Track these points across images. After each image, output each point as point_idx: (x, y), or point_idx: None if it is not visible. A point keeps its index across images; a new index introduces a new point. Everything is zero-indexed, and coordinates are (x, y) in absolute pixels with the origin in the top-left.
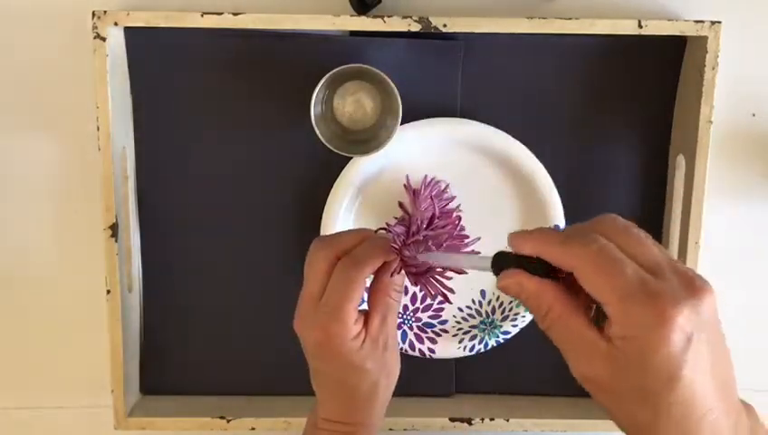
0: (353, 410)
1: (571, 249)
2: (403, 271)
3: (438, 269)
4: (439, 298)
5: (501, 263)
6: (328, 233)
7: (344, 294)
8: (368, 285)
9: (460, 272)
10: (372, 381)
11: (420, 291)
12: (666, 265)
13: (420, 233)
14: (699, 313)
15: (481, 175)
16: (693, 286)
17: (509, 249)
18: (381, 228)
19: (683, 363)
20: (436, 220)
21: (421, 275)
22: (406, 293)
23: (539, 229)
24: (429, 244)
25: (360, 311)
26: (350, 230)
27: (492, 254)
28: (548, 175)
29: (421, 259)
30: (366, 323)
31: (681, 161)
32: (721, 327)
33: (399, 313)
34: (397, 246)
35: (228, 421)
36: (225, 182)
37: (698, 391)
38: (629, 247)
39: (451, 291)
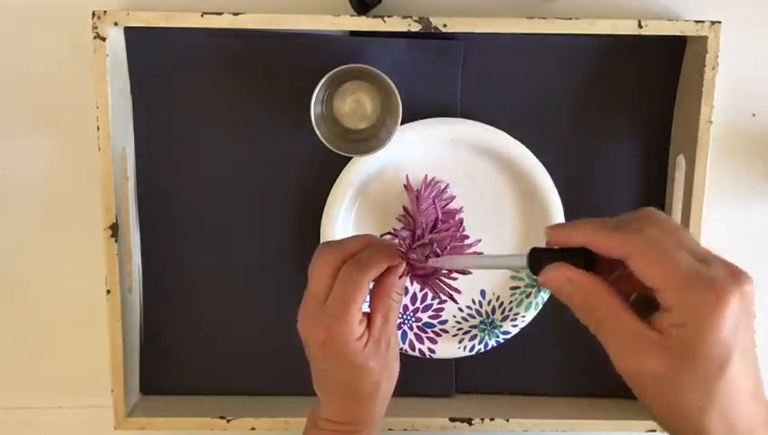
0: (355, 410)
1: (624, 236)
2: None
3: (444, 271)
4: (443, 297)
5: (539, 258)
6: (328, 233)
7: (349, 296)
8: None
9: (465, 272)
10: (374, 381)
11: (421, 291)
12: (709, 255)
13: (426, 236)
14: (746, 298)
15: (481, 175)
16: (738, 274)
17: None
18: (387, 233)
19: (734, 348)
20: (440, 224)
21: (428, 277)
22: (406, 293)
23: (585, 219)
24: (435, 247)
25: (363, 312)
26: (355, 235)
27: (521, 252)
28: (548, 175)
29: (439, 264)
30: (368, 325)
31: (681, 161)
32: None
33: (399, 313)
34: (403, 250)
35: (228, 421)
36: (225, 182)
37: (743, 375)
38: (675, 237)
39: (457, 291)
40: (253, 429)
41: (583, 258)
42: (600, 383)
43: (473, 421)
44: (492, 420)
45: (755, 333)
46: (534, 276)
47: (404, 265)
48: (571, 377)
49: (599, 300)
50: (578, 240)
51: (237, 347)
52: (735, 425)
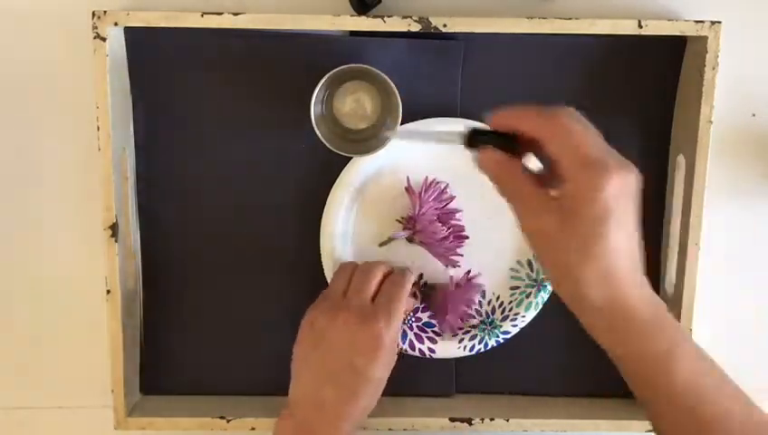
0: (368, 409)
1: (545, 120)
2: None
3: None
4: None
5: (475, 138)
6: (328, 233)
7: (395, 295)
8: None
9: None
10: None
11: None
12: (609, 149)
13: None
14: (629, 183)
15: (481, 175)
16: (628, 165)
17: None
18: (389, 238)
19: (611, 215)
20: (439, 228)
21: (432, 245)
22: None
23: (518, 107)
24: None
25: None
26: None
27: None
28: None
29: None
30: None
31: (681, 161)
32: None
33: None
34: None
35: (228, 421)
36: (225, 182)
37: (621, 242)
38: (584, 127)
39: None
40: (253, 429)
41: (510, 142)
42: (599, 383)
43: (473, 421)
44: (492, 420)
45: (635, 217)
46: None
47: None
48: (571, 377)
49: (510, 174)
50: (508, 123)
51: (237, 347)
52: (610, 281)
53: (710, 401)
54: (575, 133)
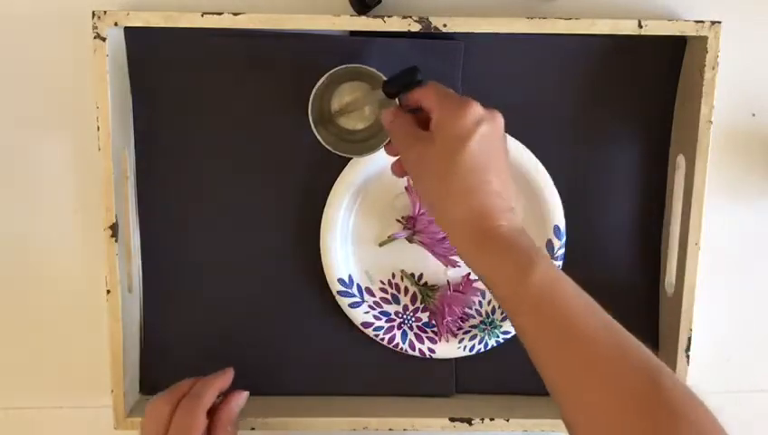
0: None
1: (423, 91)
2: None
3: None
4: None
5: (386, 85)
6: (328, 233)
7: (187, 426)
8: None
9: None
10: None
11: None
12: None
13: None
14: (492, 119)
15: None
16: (492, 109)
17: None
18: (389, 238)
19: (472, 135)
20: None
21: (432, 245)
22: (405, 292)
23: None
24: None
25: None
26: (183, 381)
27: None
28: (548, 174)
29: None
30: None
31: (681, 161)
32: (506, 145)
33: (399, 312)
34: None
35: None
36: (224, 182)
37: (482, 160)
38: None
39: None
40: (253, 429)
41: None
42: None
43: (473, 421)
44: (492, 420)
45: (503, 152)
46: None
47: (243, 395)
48: None
49: (397, 117)
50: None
51: (237, 347)
52: (471, 197)
53: (567, 306)
54: (443, 93)
